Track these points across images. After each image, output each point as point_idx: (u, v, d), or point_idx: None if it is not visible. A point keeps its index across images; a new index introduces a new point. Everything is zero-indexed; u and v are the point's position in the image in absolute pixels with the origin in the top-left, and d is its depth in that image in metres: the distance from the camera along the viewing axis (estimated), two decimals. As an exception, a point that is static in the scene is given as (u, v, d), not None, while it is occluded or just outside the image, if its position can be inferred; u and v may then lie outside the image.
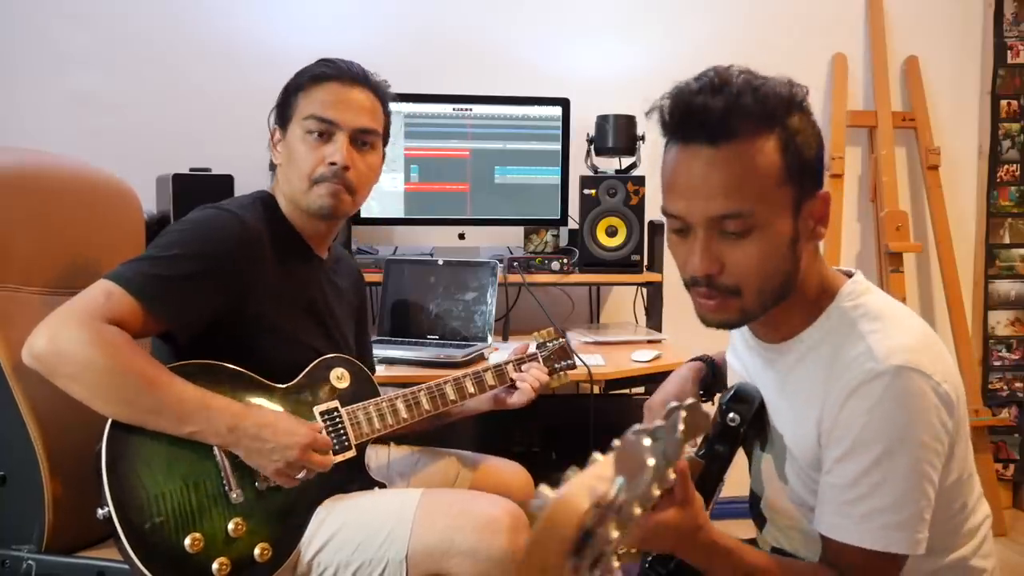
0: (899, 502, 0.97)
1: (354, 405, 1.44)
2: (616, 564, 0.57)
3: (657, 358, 2.06)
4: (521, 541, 1.28)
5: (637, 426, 0.60)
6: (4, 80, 2.45)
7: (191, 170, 2.24)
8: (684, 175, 1.00)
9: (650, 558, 1.09)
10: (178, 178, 2.15)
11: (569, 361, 1.74)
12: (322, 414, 1.41)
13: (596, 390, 2.06)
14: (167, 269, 1.28)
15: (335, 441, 1.39)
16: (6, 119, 2.44)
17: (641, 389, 2.34)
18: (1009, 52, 3.00)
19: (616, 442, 0.59)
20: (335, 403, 1.43)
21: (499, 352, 2.08)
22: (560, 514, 0.52)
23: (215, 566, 1.24)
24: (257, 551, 1.28)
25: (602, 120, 2.45)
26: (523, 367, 1.63)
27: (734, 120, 0.97)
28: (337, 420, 1.42)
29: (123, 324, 1.24)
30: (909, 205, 2.97)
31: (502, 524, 1.29)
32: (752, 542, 1.30)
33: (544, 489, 0.54)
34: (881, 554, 0.98)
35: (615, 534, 0.54)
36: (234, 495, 1.27)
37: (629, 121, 2.43)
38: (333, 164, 1.41)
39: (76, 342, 1.19)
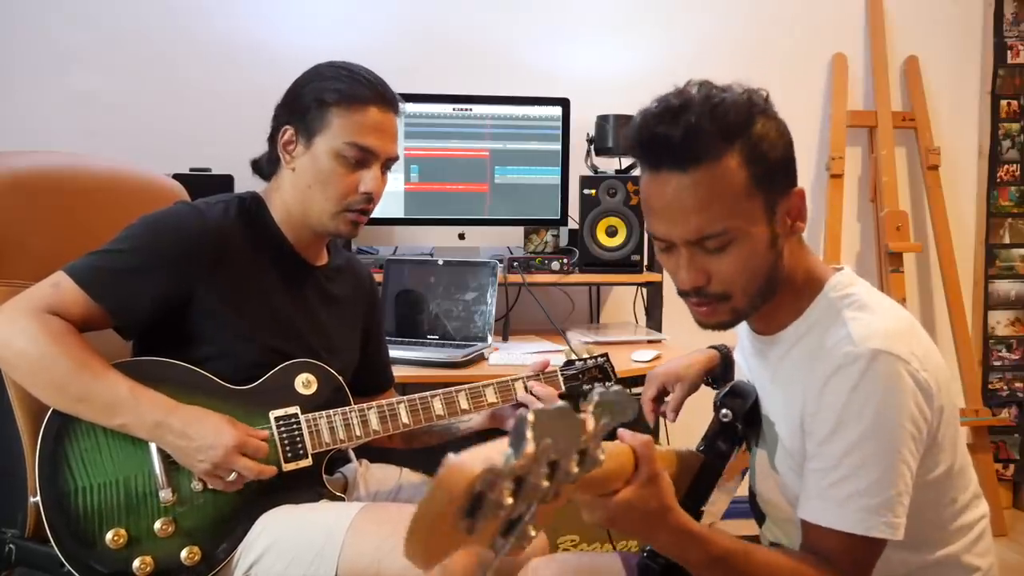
0: (877, 484, 0.99)
1: (317, 413, 1.36)
2: (533, 533, 0.61)
3: (657, 358, 2.06)
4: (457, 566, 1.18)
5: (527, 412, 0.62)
6: (4, 80, 2.45)
7: (191, 170, 2.24)
8: (658, 200, 1.04)
9: (647, 550, 1.10)
10: (178, 178, 2.12)
11: (609, 384, 1.60)
12: (277, 419, 1.34)
13: (596, 390, 2.05)
14: (114, 262, 1.29)
15: (289, 448, 1.33)
16: (6, 119, 2.44)
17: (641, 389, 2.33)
18: (1009, 52, 3.00)
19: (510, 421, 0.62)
20: (295, 408, 1.35)
21: (499, 352, 2.08)
22: (453, 477, 0.55)
23: (136, 563, 1.23)
24: (185, 553, 1.25)
25: (602, 120, 2.46)
26: (536, 386, 1.49)
27: (695, 145, 1.00)
28: (294, 426, 1.34)
29: (68, 314, 1.26)
30: (909, 205, 2.97)
31: None
32: (755, 539, 1.31)
33: (449, 456, 0.57)
34: (861, 538, 1.00)
35: (508, 500, 0.57)
36: (163, 494, 1.25)
37: (629, 121, 2.43)
38: (366, 193, 1.38)
39: (14, 330, 1.22)
